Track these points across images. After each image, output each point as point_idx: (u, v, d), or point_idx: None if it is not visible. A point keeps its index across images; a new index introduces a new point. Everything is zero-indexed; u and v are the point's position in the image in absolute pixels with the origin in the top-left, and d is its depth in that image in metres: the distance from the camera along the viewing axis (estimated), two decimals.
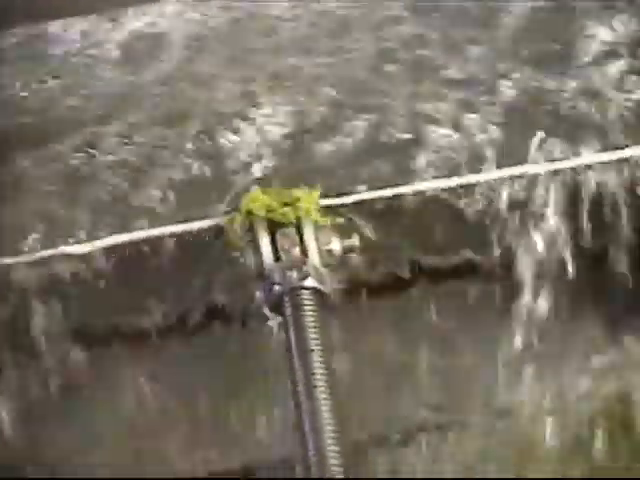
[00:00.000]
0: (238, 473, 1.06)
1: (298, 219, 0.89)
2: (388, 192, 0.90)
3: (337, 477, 0.74)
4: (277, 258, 0.88)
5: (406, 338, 1.00)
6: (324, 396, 0.80)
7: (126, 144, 1.00)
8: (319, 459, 0.77)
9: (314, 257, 0.88)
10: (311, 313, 0.85)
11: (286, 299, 0.86)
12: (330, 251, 0.90)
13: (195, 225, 0.90)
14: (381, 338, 1.00)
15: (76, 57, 1.18)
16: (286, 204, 0.89)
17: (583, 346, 1.06)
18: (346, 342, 0.93)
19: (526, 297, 0.96)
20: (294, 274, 0.85)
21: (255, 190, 0.90)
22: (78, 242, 0.89)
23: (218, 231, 0.90)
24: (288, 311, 0.86)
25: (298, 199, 0.89)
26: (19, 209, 0.93)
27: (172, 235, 0.89)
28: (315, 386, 0.81)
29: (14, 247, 0.88)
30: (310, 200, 0.89)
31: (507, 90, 1.01)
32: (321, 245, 0.89)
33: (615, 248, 0.95)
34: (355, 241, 0.91)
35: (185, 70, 1.12)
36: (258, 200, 0.89)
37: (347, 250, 0.91)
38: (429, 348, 1.01)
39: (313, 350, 0.83)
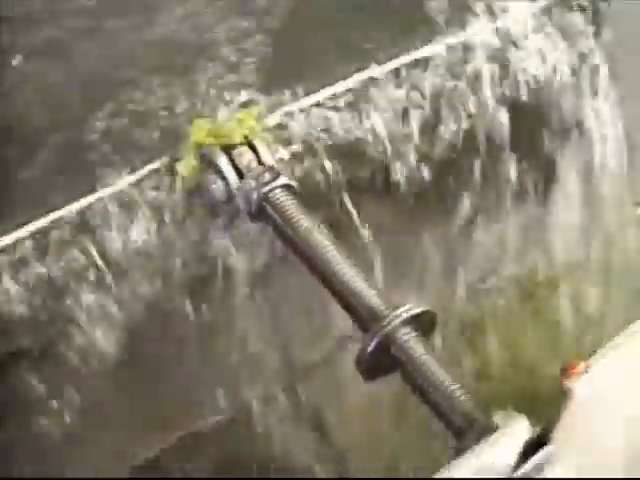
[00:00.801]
0: None
1: (246, 137, 0.92)
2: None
3: None
4: (240, 177, 0.91)
5: None
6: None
7: None
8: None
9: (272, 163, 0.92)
10: (295, 204, 0.89)
11: (266, 203, 0.89)
12: (281, 159, 0.94)
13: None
14: None
15: None
16: (229, 128, 0.92)
17: None
18: None
19: None
20: (266, 177, 0.89)
21: (196, 121, 0.92)
22: None
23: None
24: (272, 212, 0.88)
25: (240, 120, 0.92)
26: None
27: None
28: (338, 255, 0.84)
29: None
30: (251, 118, 0.93)
31: None
32: (273, 154, 0.93)
33: None
34: (297, 147, 0.96)
35: None
36: (203, 130, 0.91)
37: (293, 156, 0.95)
38: None
39: (315, 227, 0.86)
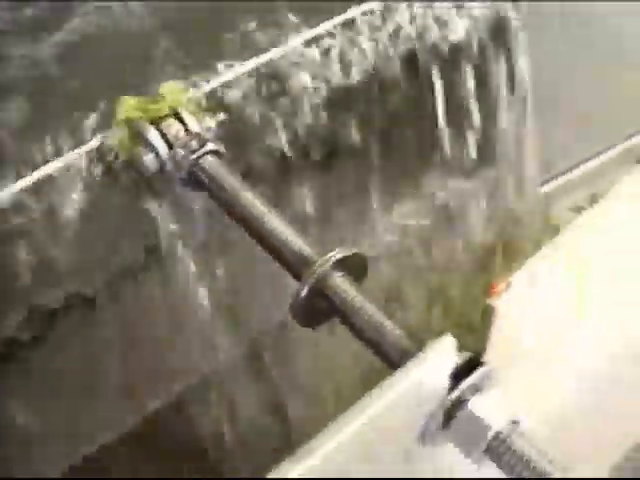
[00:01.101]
0: None
1: (173, 109, 0.94)
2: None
3: None
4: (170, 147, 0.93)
5: None
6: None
7: None
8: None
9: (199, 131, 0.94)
10: (224, 168, 0.91)
11: (196, 169, 0.91)
12: (209, 128, 0.96)
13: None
14: None
15: None
16: (155, 102, 0.94)
17: None
18: None
19: None
20: (193, 145, 0.90)
21: (123, 98, 0.94)
22: None
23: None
24: (203, 177, 0.91)
25: (166, 93, 0.94)
26: None
27: None
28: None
29: None
30: (177, 91, 0.95)
31: None
32: (200, 123, 0.95)
33: None
34: (223, 116, 0.98)
35: None
36: (131, 105, 0.93)
37: (219, 125, 0.97)
38: None
39: (244, 187, 0.88)
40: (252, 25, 1.00)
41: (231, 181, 0.88)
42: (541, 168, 1.29)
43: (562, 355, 0.79)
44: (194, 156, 0.89)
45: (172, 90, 0.94)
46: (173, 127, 0.92)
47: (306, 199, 1.06)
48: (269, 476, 0.58)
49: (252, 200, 0.85)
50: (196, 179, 0.90)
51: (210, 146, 0.90)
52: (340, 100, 1.01)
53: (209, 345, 1.03)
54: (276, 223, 0.84)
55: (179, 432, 1.08)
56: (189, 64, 0.96)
